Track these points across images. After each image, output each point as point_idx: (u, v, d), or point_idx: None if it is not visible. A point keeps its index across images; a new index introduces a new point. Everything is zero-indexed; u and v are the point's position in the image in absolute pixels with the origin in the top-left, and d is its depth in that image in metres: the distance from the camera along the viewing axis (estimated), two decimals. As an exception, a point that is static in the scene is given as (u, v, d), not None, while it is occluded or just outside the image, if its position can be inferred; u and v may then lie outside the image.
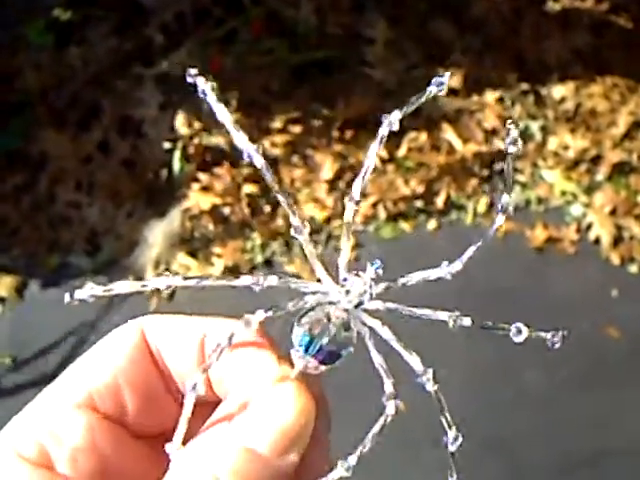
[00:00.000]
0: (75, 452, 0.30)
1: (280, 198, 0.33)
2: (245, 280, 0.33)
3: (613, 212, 1.66)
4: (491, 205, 1.66)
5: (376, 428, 0.32)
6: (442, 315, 0.35)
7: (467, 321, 0.34)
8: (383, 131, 0.34)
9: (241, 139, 0.32)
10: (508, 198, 0.35)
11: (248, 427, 0.29)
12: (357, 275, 0.34)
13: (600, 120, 1.75)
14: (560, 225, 1.64)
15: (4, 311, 1.57)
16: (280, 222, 1.60)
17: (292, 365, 0.32)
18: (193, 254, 1.58)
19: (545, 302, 1.56)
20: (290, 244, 1.59)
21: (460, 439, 0.36)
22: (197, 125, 1.64)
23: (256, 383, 0.31)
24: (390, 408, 0.33)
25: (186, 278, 0.34)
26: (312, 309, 0.33)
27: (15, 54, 1.74)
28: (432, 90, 0.34)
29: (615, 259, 1.60)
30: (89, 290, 0.33)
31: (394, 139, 1.69)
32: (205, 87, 0.32)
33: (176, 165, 1.62)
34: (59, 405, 0.32)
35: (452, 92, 1.75)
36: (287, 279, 0.33)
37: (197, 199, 1.60)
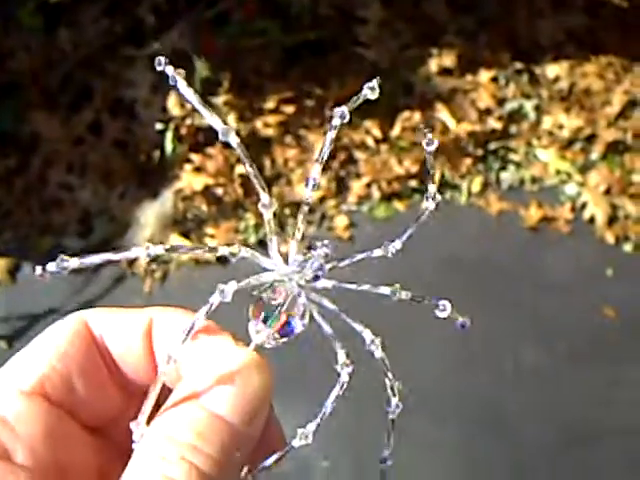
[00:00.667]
0: (32, 442, 0.30)
1: (250, 172, 0.34)
2: (221, 250, 0.34)
3: (608, 191, 1.65)
4: (485, 184, 1.65)
5: (332, 396, 0.33)
6: (383, 289, 0.36)
7: (405, 294, 0.36)
8: (336, 122, 0.34)
9: (214, 120, 0.32)
10: (433, 187, 0.38)
11: (212, 398, 0.30)
12: (308, 254, 0.35)
13: (594, 99, 1.74)
14: (554, 204, 1.64)
15: (-3, 293, 1.56)
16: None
17: (247, 342, 0.33)
18: (186, 235, 1.57)
19: (540, 281, 1.55)
20: (283, 224, 1.58)
21: (400, 407, 0.36)
22: (189, 106, 1.63)
23: (215, 360, 0.31)
24: (344, 376, 0.34)
25: (164, 248, 0.33)
26: (269, 285, 0.34)
27: (6, 36, 1.73)
28: (366, 94, 0.34)
29: (610, 238, 1.60)
30: (61, 263, 0.32)
31: (388, 119, 1.69)
32: (175, 74, 0.32)
33: (168, 146, 1.62)
34: (10, 394, 0.31)
35: (446, 72, 1.74)
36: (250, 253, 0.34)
37: (190, 180, 1.59)
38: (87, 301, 1.54)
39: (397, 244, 0.38)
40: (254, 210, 1.58)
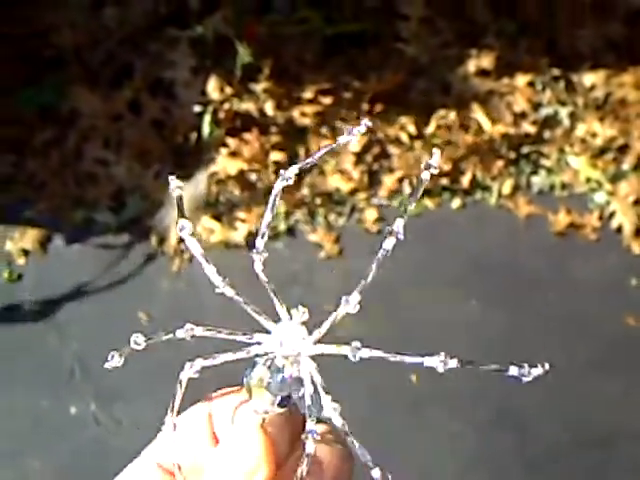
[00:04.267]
0: None
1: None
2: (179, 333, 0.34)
3: (637, 202, 1.66)
4: (516, 187, 1.66)
5: None
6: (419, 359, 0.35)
7: (454, 363, 0.34)
8: (279, 186, 0.34)
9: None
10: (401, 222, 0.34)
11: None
12: (289, 317, 0.34)
13: (629, 110, 1.75)
14: (583, 211, 1.65)
15: (28, 263, 1.58)
16: (305, 191, 1.61)
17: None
18: (218, 218, 1.59)
19: (564, 286, 1.57)
20: (313, 213, 1.60)
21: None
22: (229, 90, 1.65)
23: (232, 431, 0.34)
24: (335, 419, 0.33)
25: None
26: (256, 361, 0.34)
27: (52, 12, 1.75)
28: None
29: (636, 248, 1.61)
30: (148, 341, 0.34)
31: (423, 116, 1.70)
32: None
33: (206, 129, 1.64)
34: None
35: (484, 73, 1.75)
36: (220, 330, 0.35)
37: (224, 164, 1.61)
38: (115, 277, 1.57)
39: (355, 297, 0.33)
40: (286, 198, 1.60)
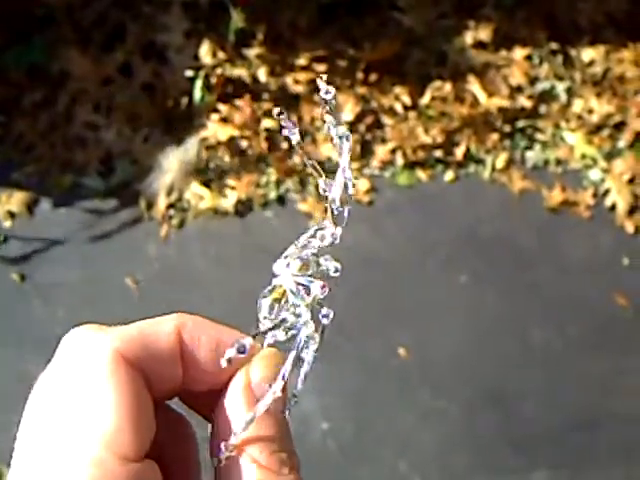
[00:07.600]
0: None
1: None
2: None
3: (632, 180, 1.64)
4: (510, 162, 1.64)
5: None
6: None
7: None
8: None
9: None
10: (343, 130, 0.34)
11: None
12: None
13: (628, 86, 1.73)
14: (577, 188, 1.63)
15: (14, 225, 1.57)
16: (297, 160, 1.59)
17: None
18: (207, 184, 1.57)
19: (555, 264, 1.55)
20: (304, 182, 1.58)
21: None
22: (221, 55, 1.63)
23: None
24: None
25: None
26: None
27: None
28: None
29: (629, 227, 1.59)
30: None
31: (418, 87, 1.67)
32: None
33: (197, 94, 1.61)
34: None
35: (481, 45, 1.72)
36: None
37: (215, 129, 1.59)
38: (102, 242, 1.55)
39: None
40: (276, 165, 1.58)
